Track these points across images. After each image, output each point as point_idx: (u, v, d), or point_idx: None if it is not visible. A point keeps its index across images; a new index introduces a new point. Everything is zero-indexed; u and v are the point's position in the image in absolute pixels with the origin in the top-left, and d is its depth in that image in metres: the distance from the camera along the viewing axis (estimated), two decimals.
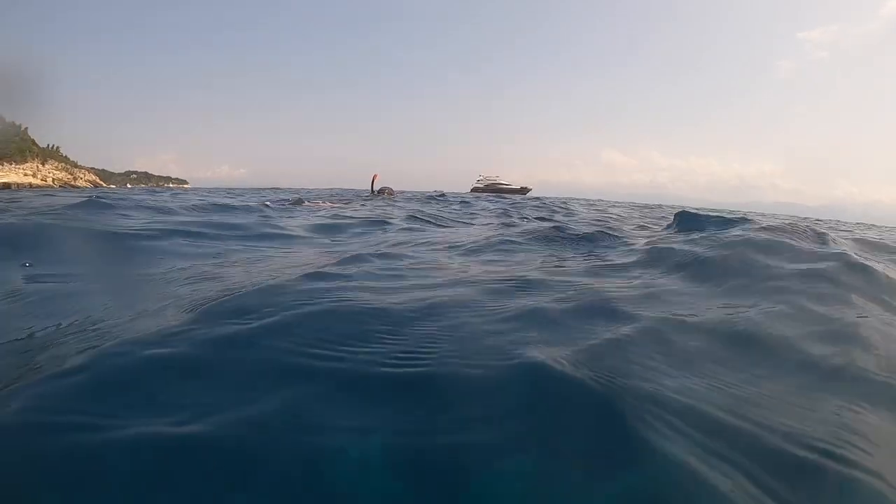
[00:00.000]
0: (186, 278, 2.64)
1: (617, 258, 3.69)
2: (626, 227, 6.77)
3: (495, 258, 3.59)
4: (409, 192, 18.51)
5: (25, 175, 60.90)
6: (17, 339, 1.68)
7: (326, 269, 2.63)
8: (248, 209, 7.62)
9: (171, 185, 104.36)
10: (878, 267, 3.25)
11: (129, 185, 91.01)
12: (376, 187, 13.30)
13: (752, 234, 4.05)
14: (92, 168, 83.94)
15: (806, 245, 3.83)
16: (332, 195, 14.12)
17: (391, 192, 12.63)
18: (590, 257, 3.80)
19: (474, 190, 65.16)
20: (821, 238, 4.22)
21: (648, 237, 5.27)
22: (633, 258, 3.58)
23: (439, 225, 6.96)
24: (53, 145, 71.39)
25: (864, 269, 3.08)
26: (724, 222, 5.19)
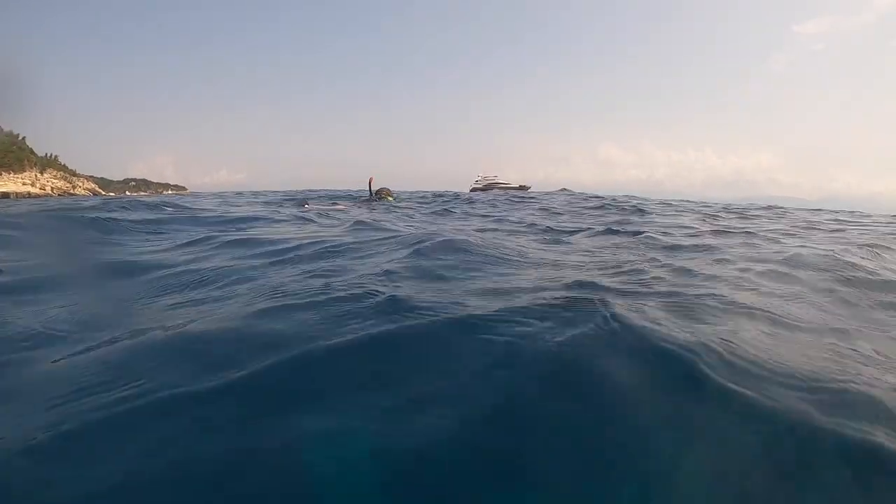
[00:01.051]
0: None
1: None
2: None
3: None
4: (406, 194, 18.39)
5: (24, 184, 61.02)
6: None
7: None
8: None
9: (169, 192, 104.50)
10: None
11: (128, 193, 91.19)
12: (374, 189, 13.28)
13: None
14: (91, 176, 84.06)
15: None
16: (319, 198, 13.95)
17: (389, 193, 12.62)
18: None
19: (473, 190, 65.14)
20: None
21: None
22: None
23: None
24: (52, 154, 71.53)
25: None
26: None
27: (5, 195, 53.21)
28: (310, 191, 21.52)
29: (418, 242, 3.33)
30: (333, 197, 14.20)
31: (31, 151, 65.69)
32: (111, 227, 4.78)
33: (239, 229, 4.99)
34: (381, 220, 5.77)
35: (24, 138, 64.03)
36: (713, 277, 2.60)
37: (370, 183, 13.37)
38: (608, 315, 1.62)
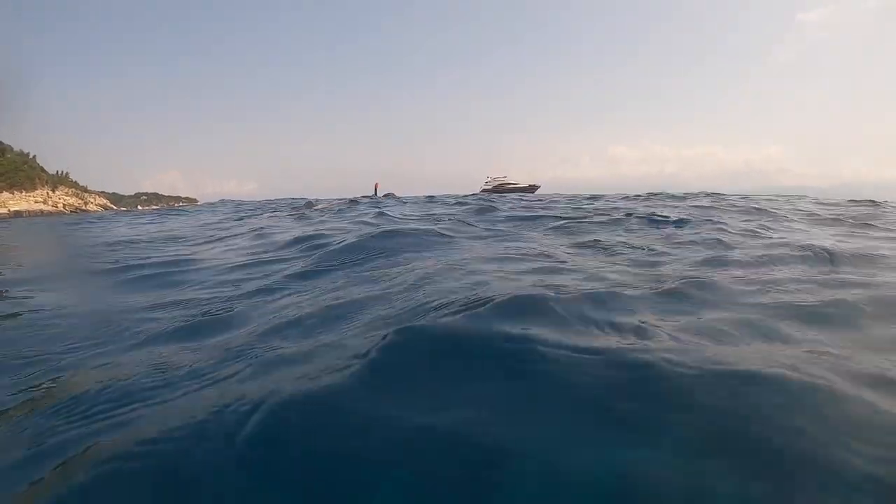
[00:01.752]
0: None
1: None
2: None
3: None
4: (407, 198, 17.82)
5: (36, 202, 61.53)
6: None
7: None
8: None
9: (181, 205, 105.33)
10: None
11: (140, 207, 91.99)
12: (380, 193, 12.82)
13: None
14: (102, 192, 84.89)
15: None
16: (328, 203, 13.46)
17: (394, 198, 11.99)
18: None
19: (483, 191, 64.32)
20: None
21: None
22: None
23: None
24: (63, 171, 72.23)
25: None
26: None
27: (18, 213, 53.66)
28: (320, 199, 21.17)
29: None
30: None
31: (42, 169, 66.36)
32: None
33: None
34: None
35: (34, 157, 64.69)
36: None
37: (376, 188, 13.39)
38: None
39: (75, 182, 74.75)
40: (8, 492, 0.96)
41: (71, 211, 62.60)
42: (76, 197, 71.51)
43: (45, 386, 1.53)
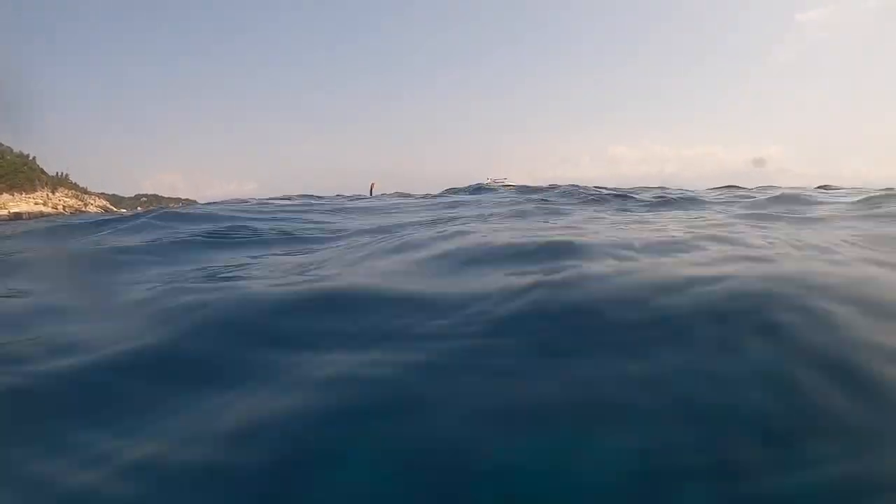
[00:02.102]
0: None
1: None
2: None
3: None
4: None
5: (36, 204, 61.71)
6: None
7: None
8: None
9: (180, 206, 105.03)
10: None
11: (139, 209, 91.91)
12: (375, 193, 12.93)
13: None
14: (102, 193, 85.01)
15: None
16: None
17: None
18: None
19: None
20: None
21: None
22: None
23: None
24: (63, 173, 72.42)
25: None
26: None
27: (17, 216, 53.83)
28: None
29: None
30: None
31: (42, 171, 66.54)
32: None
33: None
34: None
35: (34, 158, 64.90)
36: None
37: (371, 187, 13.54)
38: None
39: (75, 183, 74.94)
40: None
41: (71, 213, 62.78)
42: (76, 199, 71.68)
43: None
